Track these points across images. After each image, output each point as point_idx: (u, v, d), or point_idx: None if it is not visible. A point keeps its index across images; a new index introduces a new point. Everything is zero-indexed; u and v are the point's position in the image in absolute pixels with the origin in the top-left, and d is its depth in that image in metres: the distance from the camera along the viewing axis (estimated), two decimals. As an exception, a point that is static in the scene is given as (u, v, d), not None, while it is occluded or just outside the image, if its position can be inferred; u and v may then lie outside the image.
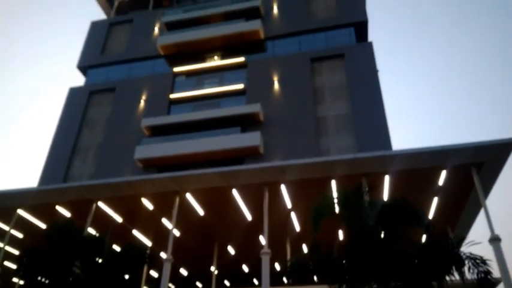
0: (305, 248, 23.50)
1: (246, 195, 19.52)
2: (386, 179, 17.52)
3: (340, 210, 13.92)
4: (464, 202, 19.06)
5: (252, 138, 27.40)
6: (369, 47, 30.20)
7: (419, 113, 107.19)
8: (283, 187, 18.75)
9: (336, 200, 14.16)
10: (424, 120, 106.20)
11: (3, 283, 26.21)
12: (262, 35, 33.48)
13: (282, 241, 22.09)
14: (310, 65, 30.60)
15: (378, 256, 11.75)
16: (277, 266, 25.40)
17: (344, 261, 12.60)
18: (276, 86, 30.27)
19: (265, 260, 16.54)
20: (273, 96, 29.95)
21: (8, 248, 21.81)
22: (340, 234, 19.69)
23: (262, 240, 21.23)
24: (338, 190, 14.96)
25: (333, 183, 17.69)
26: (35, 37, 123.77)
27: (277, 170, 18.55)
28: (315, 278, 19.35)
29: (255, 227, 20.64)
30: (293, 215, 20.75)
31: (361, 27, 32.21)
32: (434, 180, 17.82)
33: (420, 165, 17.17)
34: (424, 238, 14.38)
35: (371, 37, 75.59)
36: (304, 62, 30.90)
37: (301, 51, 32.29)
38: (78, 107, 33.93)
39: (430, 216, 19.88)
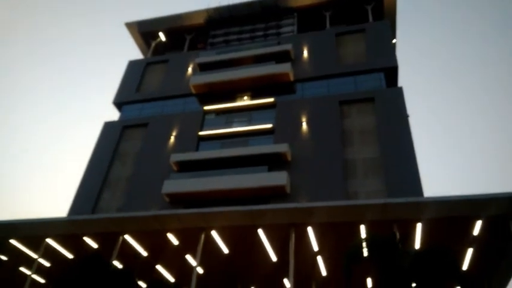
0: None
1: (271, 235, 19.27)
2: (419, 226, 16.98)
3: (370, 257, 13.53)
4: (502, 255, 18.16)
5: (278, 178, 27.36)
6: (399, 92, 30.28)
7: (452, 158, 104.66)
8: (310, 229, 18.42)
9: (366, 246, 13.82)
10: (457, 165, 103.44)
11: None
12: (291, 77, 34.19)
13: (307, 285, 21.41)
14: (338, 108, 30.80)
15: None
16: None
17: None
18: (304, 127, 30.48)
19: (291, 304, 16.05)
20: (301, 137, 30.09)
21: (35, 276, 22.04)
22: (369, 281, 19.02)
23: (287, 282, 20.71)
24: (369, 236, 14.63)
25: (362, 228, 17.28)
26: (76, 73, 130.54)
27: (305, 211, 18.36)
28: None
29: (280, 269, 20.20)
30: (320, 258, 20.21)
31: (390, 72, 32.48)
32: (469, 230, 17.13)
33: (454, 213, 16.64)
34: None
35: (401, 79, 75.86)
36: (333, 104, 31.16)
37: (330, 93, 32.67)
38: (111, 140, 35.00)
39: (464, 267, 18.96)
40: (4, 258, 22.13)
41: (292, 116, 31.49)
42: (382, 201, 17.22)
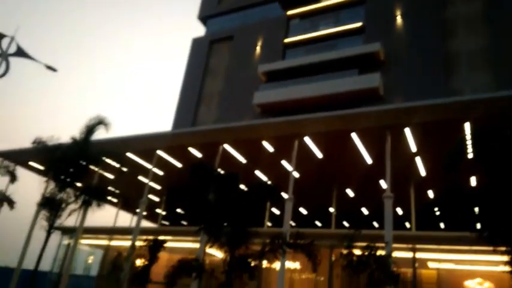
0: (431, 193, 22.41)
1: (366, 138, 18.98)
2: (535, 120, 15.25)
3: (476, 155, 12.75)
4: None
5: (370, 80, 26.14)
6: (516, -35, 25.48)
7: None
8: (407, 130, 17.70)
9: (471, 144, 12.97)
10: None
11: (150, 213, 30.64)
12: (382, -35, 30.57)
13: (404, 185, 21.28)
14: (439, -6, 27.25)
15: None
16: (399, 210, 24.76)
17: (480, 209, 11.76)
18: (399, 21, 27.82)
19: (388, 204, 16.23)
20: (394, 33, 27.70)
21: (152, 184, 25.11)
22: (473, 180, 18.21)
23: (383, 183, 20.77)
24: (474, 133, 13.61)
25: (467, 125, 16.07)
26: None
27: (402, 112, 17.50)
28: (441, 224, 18.48)
29: (376, 171, 20.18)
30: (418, 158, 19.66)
31: None
32: None
33: None
34: None
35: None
36: (433, -9, 27.58)
37: (429, -22, 28.76)
38: (200, 56, 36.03)
39: None
40: (125, 169, 25.31)
41: (384, 10, 28.82)
42: (490, 95, 15.60)
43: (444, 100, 16.59)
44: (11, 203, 20.42)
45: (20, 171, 24.63)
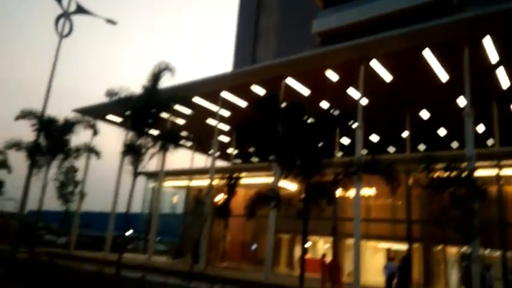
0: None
1: (440, 54, 17.58)
2: None
3: None
4: None
5: (441, -11, 23.62)
6: None
7: None
8: (487, 40, 16.01)
9: None
10: None
11: (222, 153, 31.89)
12: None
13: (485, 100, 19.64)
14: None
15: None
16: (480, 128, 23.19)
17: None
18: None
19: (469, 121, 15.26)
20: None
21: (220, 126, 25.85)
22: None
23: (461, 101, 19.44)
24: None
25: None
26: None
27: (480, 20, 15.79)
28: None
29: (452, 88, 18.84)
30: (500, 70, 17.90)
31: None
32: None
33: None
34: None
35: None
36: None
37: None
38: (252, -10, 34.75)
39: None
40: (194, 113, 26.11)
41: None
42: None
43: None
44: (97, 154, 22.16)
45: (102, 126, 26.55)
